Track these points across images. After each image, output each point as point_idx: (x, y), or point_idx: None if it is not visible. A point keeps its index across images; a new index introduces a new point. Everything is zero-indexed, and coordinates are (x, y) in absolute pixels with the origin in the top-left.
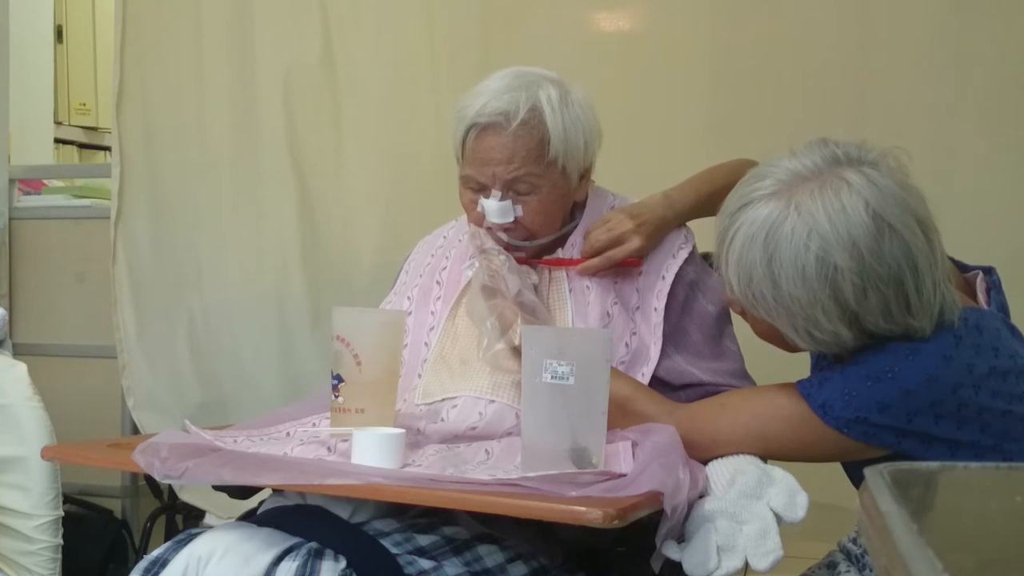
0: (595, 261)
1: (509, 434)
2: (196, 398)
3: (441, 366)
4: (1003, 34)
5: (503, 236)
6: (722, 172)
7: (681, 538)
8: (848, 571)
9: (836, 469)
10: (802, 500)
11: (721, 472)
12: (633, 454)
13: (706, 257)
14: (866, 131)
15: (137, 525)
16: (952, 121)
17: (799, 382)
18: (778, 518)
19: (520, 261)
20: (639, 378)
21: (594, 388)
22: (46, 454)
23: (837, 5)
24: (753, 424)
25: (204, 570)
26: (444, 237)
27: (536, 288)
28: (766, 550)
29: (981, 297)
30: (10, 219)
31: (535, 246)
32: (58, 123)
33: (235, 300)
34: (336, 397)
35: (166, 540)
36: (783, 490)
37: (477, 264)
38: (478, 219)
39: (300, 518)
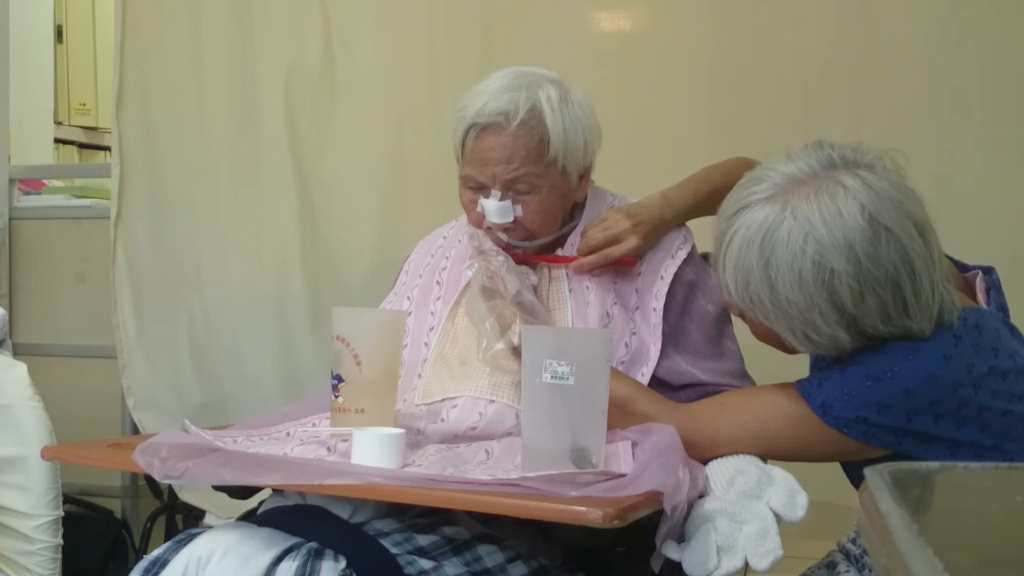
0: (591, 259)
1: (509, 434)
2: (196, 398)
3: (441, 366)
4: (1003, 34)
5: (503, 236)
6: (720, 171)
7: (681, 538)
8: (847, 571)
9: (835, 469)
10: (802, 500)
11: (721, 472)
12: (633, 454)
13: (706, 257)
14: (866, 131)
15: (137, 525)
16: (952, 121)
17: (799, 382)
18: (778, 518)
19: (517, 259)
20: (639, 378)
21: (594, 388)
22: (46, 454)
23: (837, 5)
24: (753, 424)
25: (204, 570)
26: (444, 237)
27: (535, 288)
28: (766, 550)
29: (981, 297)
30: (10, 219)
31: (535, 246)
32: (58, 123)
33: (235, 300)
34: (336, 397)
35: (166, 540)
36: (783, 490)
37: (476, 265)
38: (478, 219)
39: (300, 518)
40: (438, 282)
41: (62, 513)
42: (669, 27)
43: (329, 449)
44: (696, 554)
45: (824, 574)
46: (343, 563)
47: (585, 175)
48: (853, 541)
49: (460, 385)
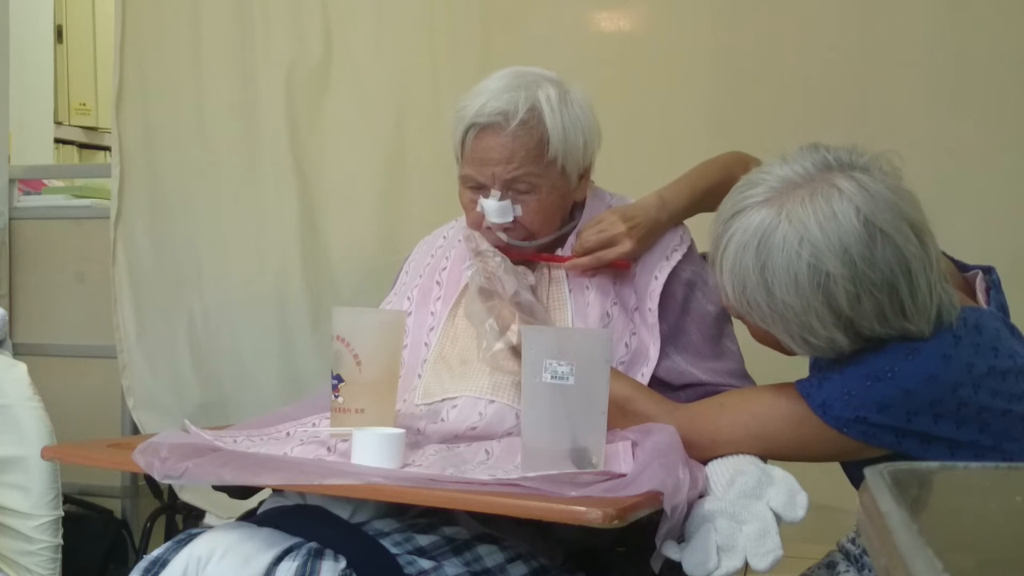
0: (584, 260)
1: (509, 434)
2: (196, 398)
3: (441, 366)
4: (1003, 34)
5: (502, 236)
6: (716, 167)
7: (681, 538)
8: (847, 571)
9: (835, 469)
10: (802, 500)
11: (721, 472)
12: (633, 454)
13: (705, 256)
14: (866, 131)
15: (137, 525)
16: (952, 121)
17: (798, 382)
18: (778, 518)
19: (514, 258)
20: (639, 378)
21: (594, 388)
22: (46, 454)
23: (837, 5)
24: (753, 424)
25: (204, 570)
26: (444, 237)
27: (534, 288)
28: (766, 550)
29: (981, 297)
30: (10, 219)
31: (534, 246)
32: (58, 123)
33: (235, 300)
34: (336, 397)
35: (166, 540)
36: (783, 490)
37: (473, 266)
38: (477, 219)
39: (300, 518)
40: (438, 282)
41: (62, 513)
42: (669, 27)
43: (329, 449)
44: (696, 554)
45: (824, 574)
46: (343, 563)
47: (585, 175)
48: (853, 541)
49: (460, 385)
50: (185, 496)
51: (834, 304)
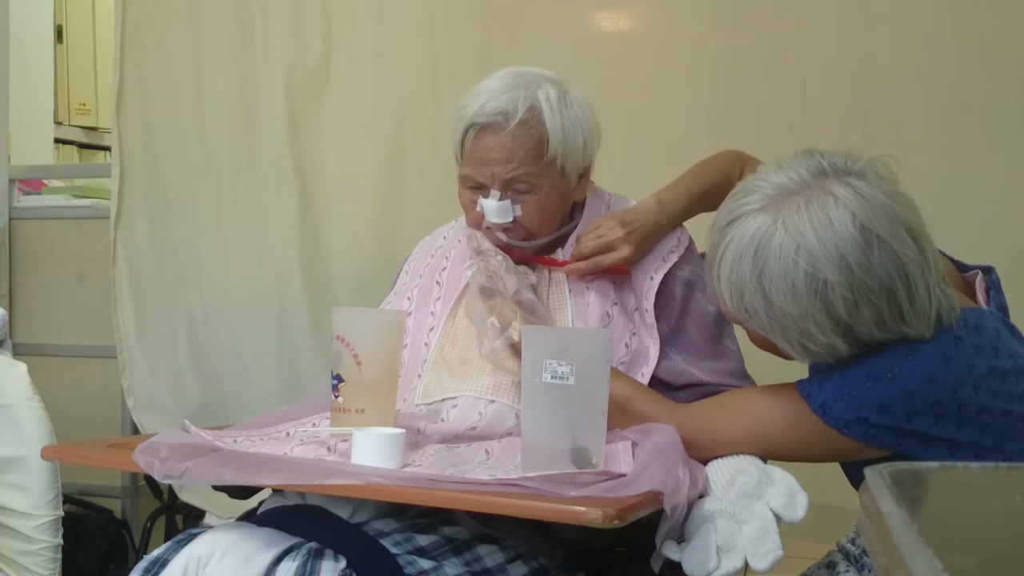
0: (582, 265)
1: (509, 434)
2: (196, 398)
3: (441, 366)
4: (1003, 34)
5: (501, 236)
6: (714, 168)
7: (681, 538)
8: (847, 571)
9: (835, 469)
10: (802, 500)
11: (721, 472)
12: (633, 454)
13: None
14: (866, 131)
15: (137, 525)
16: (952, 121)
17: (799, 382)
18: (778, 518)
19: (515, 259)
20: (639, 378)
21: (594, 388)
22: (46, 454)
23: (837, 5)
24: (753, 424)
25: (204, 570)
26: (444, 237)
27: (535, 288)
28: (766, 550)
29: (980, 297)
30: (10, 219)
31: (534, 246)
32: (58, 123)
33: (235, 300)
34: (336, 397)
35: (166, 540)
36: (783, 490)
37: (475, 265)
38: (477, 219)
39: (300, 518)
40: (438, 282)
41: (62, 513)
42: (669, 27)
43: (329, 449)
44: (696, 554)
45: (824, 574)
46: (343, 563)
47: (584, 175)
48: (853, 541)
49: (460, 385)
50: (185, 496)
51: (832, 311)
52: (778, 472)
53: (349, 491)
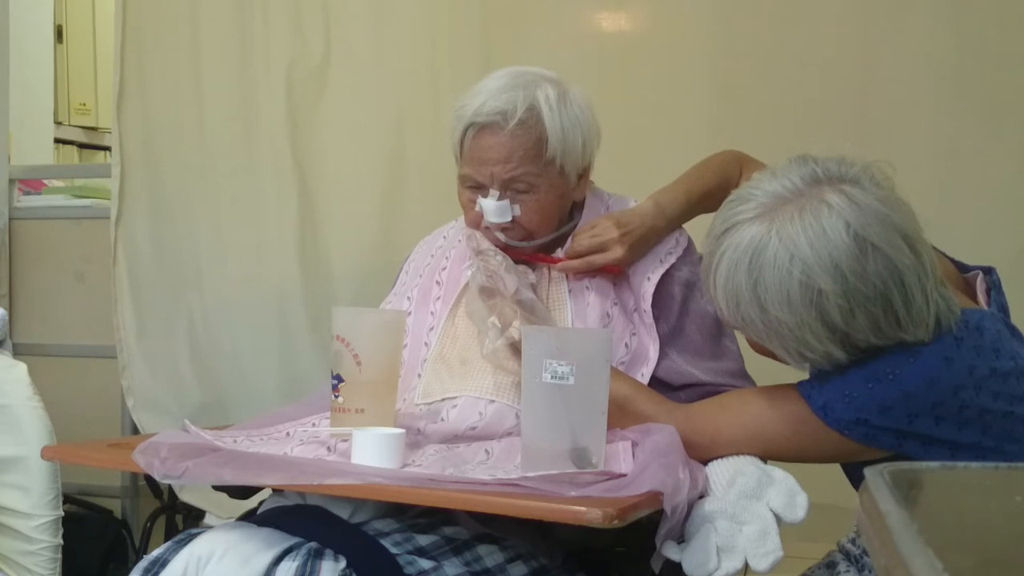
0: (574, 263)
1: (509, 434)
2: (196, 398)
3: (441, 366)
4: (1003, 34)
5: (500, 236)
6: (712, 170)
7: (681, 538)
8: (847, 571)
9: (835, 470)
10: (802, 501)
11: (721, 473)
12: (633, 454)
13: None
14: (866, 131)
15: (137, 525)
16: (952, 121)
17: (799, 383)
18: (778, 519)
19: (511, 256)
20: (639, 378)
21: (594, 388)
22: (46, 454)
23: (838, 5)
24: (753, 425)
25: (204, 570)
26: (444, 237)
27: (534, 287)
28: (766, 551)
29: (981, 298)
30: (10, 219)
31: (533, 246)
32: (58, 123)
33: (235, 300)
34: (336, 397)
35: (166, 540)
36: (783, 491)
37: (475, 265)
38: (476, 218)
39: (300, 518)
40: (438, 282)
41: (62, 513)
42: (669, 27)
43: (329, 449)
44: (696, 555)
45: (824, 574)
46: (343, 563)
47: (584, 175)
48: (853, 541)
49: (460, 385)
50: (185, 496)
51: (828, 319)
52: (778, 473)
53: (349, 491)
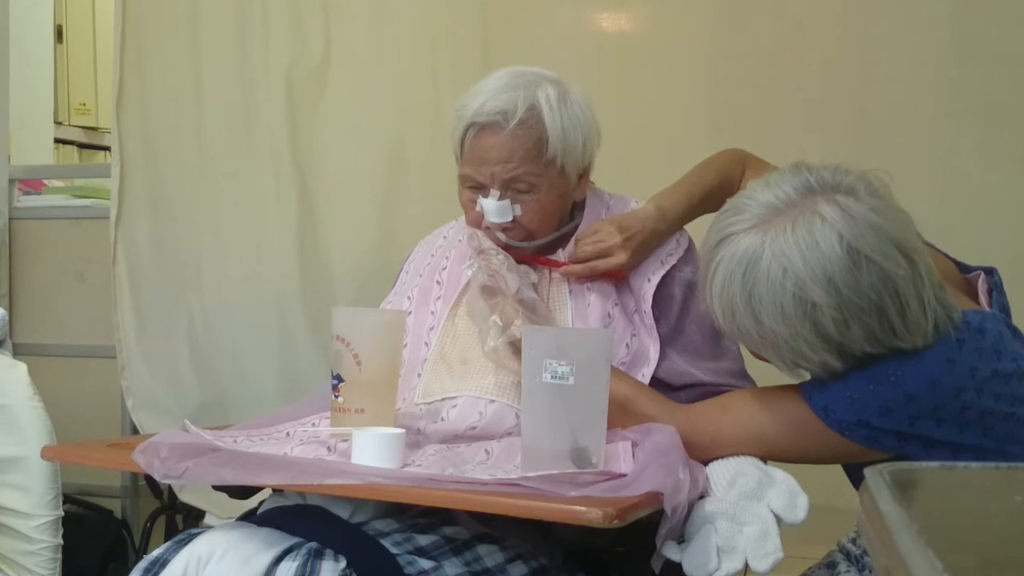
0: (577, 268)
1: (509, 434)
2: (196, 398)
3: (441, 366)
4: (1003, 34)
5: (501, 236)
6: (714, 170)
7: (681, 539)
8: (848, 571)
9: (836, 471)
10: (803, 502)
11: (721, 473)
12: (633, 454)
13: None
14: (866, 131)
15: (137, 525)
16: (952, 121)
17: (801, 384)
18: (778, 520)
19: (512, 257)
20: (639, 379)
21: (594, 388)
22: (46, 454)
23: (837, 5)
24: (754, 426)
25: (204, 570)
26: (444, 237)
27: (536, 287)
28: (766, 551)
29: (983, 298)
30: (10, 219)
31: (533, 246)
32: (58, 123)
33: (235, 300)
34: (336, 397)
35: (166, 540)
36: (783, 492)
37: (476, 264)
38: (476, 218)
39: (300, 518)
40: (438, 282)
41: (62, 513)
42: (669, 27)
43: (329, 449)
44: (696, 555)
45: (824, 574)
46: (343, 563)
47: (584, 175)
48: (853, 541)
49: (460, 385)
50: (185, 496)
51: (822, 331)
52: (779, 473)
53: (349, 491)
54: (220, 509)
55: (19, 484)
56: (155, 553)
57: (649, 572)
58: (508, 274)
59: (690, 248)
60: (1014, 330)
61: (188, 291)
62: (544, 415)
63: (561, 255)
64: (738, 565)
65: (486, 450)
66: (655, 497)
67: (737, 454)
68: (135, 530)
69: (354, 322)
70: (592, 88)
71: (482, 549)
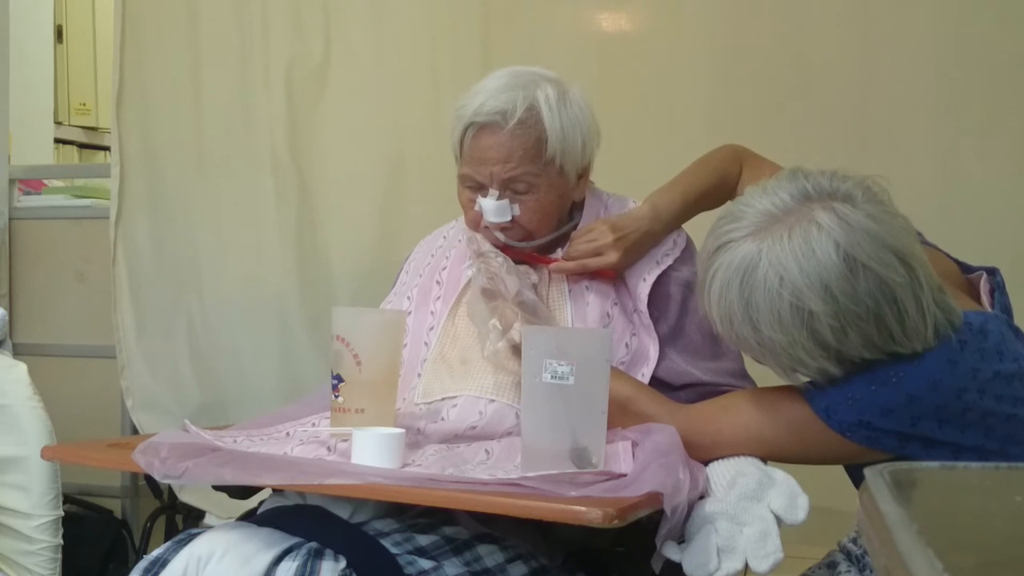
0: (568, 265)
1: (509, 434)
2: (196, 398)
3: (441, 366)
4: (1003, 34)
5: (500, 236)
6: (711, 169)
7: (681, 539)
8: (848, 571)
9: (836, 472)
10: (803, 503)
11: (722, 473)
12: (633, 454)
13: None
14: (866, 132)
15: (137, 525)
16: (952, 121)
17: (802, 385)
18: (779, 520)
19: (511, 256)
20: (639, 379)
21: (594, 388)
22: (46, 454)
23: (838, 5)
24: (755, 426)
25: (204, 570)
26: (444, 237)
27: (535, 288)
28: (766, 552)
29: (985, 299)
30: (10, 219)
31: (532, 247)
32: (58, 123)
33: (235, 300)
34: (336, 397)
35: (166, 540)
36: (784, 492)
37: (476, 267)
38: (476, 218)
39: (300, 518)
40: (438, 282)
41: (62, 513)
42: (669, 27)
43: (329, 449)
44: (696, 555)
45: (824, 574)
46: (343, 563)
47: (584, 175)
48: (854, 541)
49: (460, 384)
50: (185, 496)
51: (820, 339)
52: (779, 474)
53: (349, 491)
54: (220, 509)
55: (19, 484)
56: (155, 553)
57: (649, 572)
58: (507, 277)
59: (688, 248)
60: (1016, 331)
61: (188, 291)
62: (544, 415)
63: (559, 255)
64: (738, 566)
65: (486, 450)
66: (655, 497)
67: (737, 454)
68: (135, 530)
69: (354, 322)
70: (592, 88)
71: (482, 549)
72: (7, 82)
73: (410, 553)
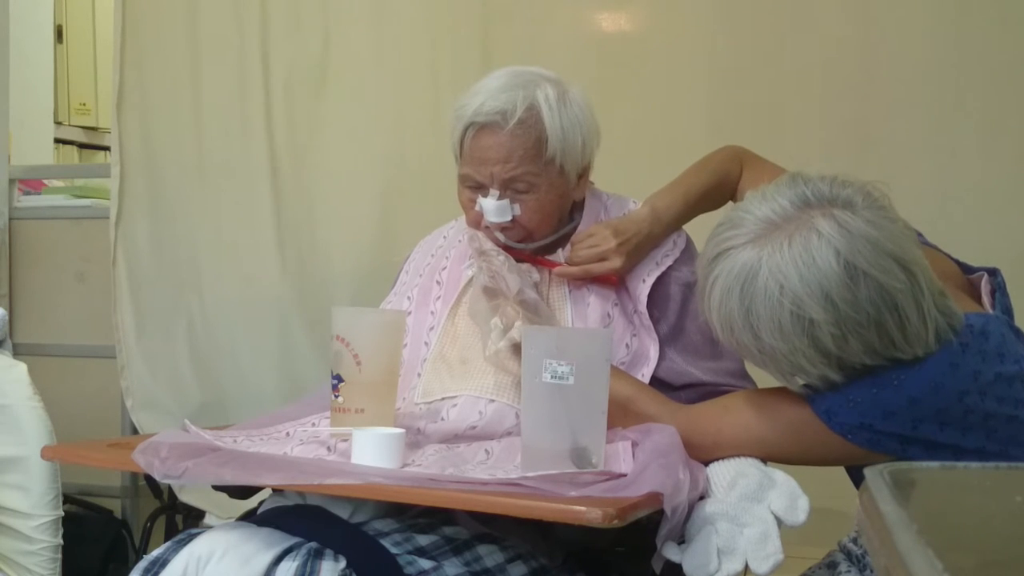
0: (572, 270)
1: (509, 434)
2: (195, 398)
3: (441, 365)
4: (1003, 34)
5: (500, 236)
6: (710, 170)
7: (681, 539)
8: (848, 571)
9: (837, 473)
10: (803, 504)
11: (722, 474)
12: (633, 454)
13: None
14: (866, 132)
15: (137, 525)
16: (952, 121)
17: (803, 386)
18: (779, 521)
19: (514, 257)
20: (639, 379)
21: (594, 388)
22: (46, 454)
23: (838, 5)
24: (755, 427)
25: (204, 570)
26: (444, 237)
27: (537, 287)
28: (766, 553)
29: (986, 300)
30: (10, 219)
31: (532, 247)
32: (58, 123)
33: (234, 300)
34: (336, 397)
35: (166, 540)
36: (784, 493)
37: (477, 266)
38: (476, 218)
39: (300, 518)
40: (438, 282)
41: (62, 513)
42: (669, 27)
43: (329, 449)
44: (696, 556)
45: (825, 574)
46: (343, 563)
47: (584, 174)
48: (854, 541)
49: (460, 384)
50: (185, 496)
51: (821, 346)
52: (780, 475)
53: (349, 491)
54: (220, 509)
55: (19, 484)
56: (155, 553)
57: (649, 572)
58: (509, 275)
59: (688, 248)
60: (1017, 332)
61: (188, 291)
62: (544, 415)
63: (560, 256)
64: (738, 566)
65: (486, 450)
66: (655, 497)
67: (738, 455)
68: (135, 530)
69: (354, 322)
70: (592, 88)
71: (482, 549)
72: (7, 82)
73: (410, 553)
